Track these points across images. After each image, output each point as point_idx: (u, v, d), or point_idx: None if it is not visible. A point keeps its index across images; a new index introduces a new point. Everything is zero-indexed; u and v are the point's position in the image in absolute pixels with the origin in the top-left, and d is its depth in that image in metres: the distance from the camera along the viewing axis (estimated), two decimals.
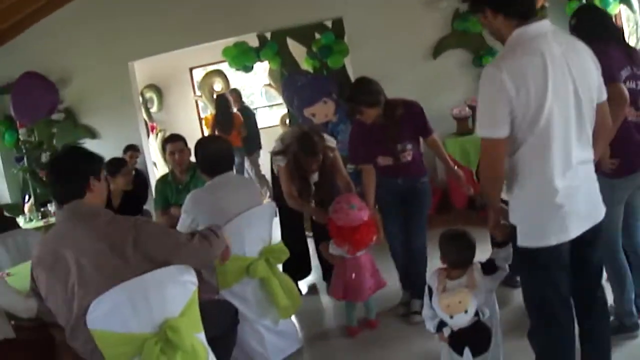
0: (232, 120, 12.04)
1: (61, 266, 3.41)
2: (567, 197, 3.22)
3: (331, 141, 6.01)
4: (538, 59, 3.11)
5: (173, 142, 6.45)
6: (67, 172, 3.65)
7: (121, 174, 6.91)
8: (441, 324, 4.05)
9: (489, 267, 3.98)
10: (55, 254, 3.44)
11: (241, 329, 4.77)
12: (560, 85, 3.13)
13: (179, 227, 4.92)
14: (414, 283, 5.70)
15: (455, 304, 3.87)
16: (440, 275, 4.04)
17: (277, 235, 5.55)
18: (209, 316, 3.99)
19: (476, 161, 7.92)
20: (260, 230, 5.02)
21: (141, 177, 8.81)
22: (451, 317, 3.91)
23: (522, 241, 3.36)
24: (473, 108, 8.53)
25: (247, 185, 5.27)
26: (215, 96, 12.68)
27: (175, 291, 3.57)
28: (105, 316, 3.29)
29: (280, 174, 6.11)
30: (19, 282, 4.57)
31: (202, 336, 3.76)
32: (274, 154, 6.17)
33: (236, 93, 12.88)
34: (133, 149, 9.53)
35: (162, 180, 6.64)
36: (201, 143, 5.27)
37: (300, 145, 5.74)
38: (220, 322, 4.36)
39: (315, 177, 6.10)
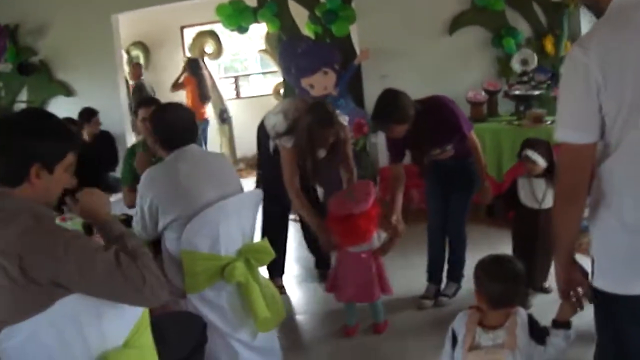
0: (209, 89, 11.94)
1: None
2: None
3: (343, 118, 5.31)
4: None
5: (146, 107, 5.45)
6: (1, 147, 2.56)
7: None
8: None
9: (538, 333, 3.00)
10: None
11: (212, 343, 3.89)
12: None
13: (134, 223, 4.10)
14: (452, 267, 5.49)
15: None
16: (471, 319, 3.08)
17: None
18: (168, 337, 3.18)
19: (492, 152, 7.10)
20: (241, 223, 4.09)
21: (106, 139, 7.93)
22: None
23: (598, 281, 2.45)
24: (489, 92, 8.06)
25: (219, 161, 4.34)
26: (186, 59, 12.37)
27: (116, 315, 2.68)
28: (22, 347, 2.42)
29: (284, 157, 5.29)
30: None
31: None
32: (279, 134, 5.30)
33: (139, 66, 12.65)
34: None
35: (132, 150, 5.67)
36: (156, 111, 4.40)
37: (315, 114, 5.00)
38: (183, 344, 3.46)
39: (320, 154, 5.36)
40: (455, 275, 5.43)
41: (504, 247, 5.18)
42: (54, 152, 2.61)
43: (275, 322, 4.23)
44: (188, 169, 3.97)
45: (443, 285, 5.44)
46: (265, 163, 5.70)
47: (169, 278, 3.97)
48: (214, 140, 12.52)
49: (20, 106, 10.25)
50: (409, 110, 4.70)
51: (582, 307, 2.71)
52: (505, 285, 2.99)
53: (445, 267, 5.46)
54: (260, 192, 4.27)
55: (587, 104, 2.26)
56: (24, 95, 10.54)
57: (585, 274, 2.58)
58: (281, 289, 5.88)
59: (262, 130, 5.67)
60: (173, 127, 4.11)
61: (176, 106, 4.45)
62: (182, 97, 12.05)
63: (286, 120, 5.27)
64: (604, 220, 2.40)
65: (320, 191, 5.98)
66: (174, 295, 3.97)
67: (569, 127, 2.35)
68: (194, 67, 12.04)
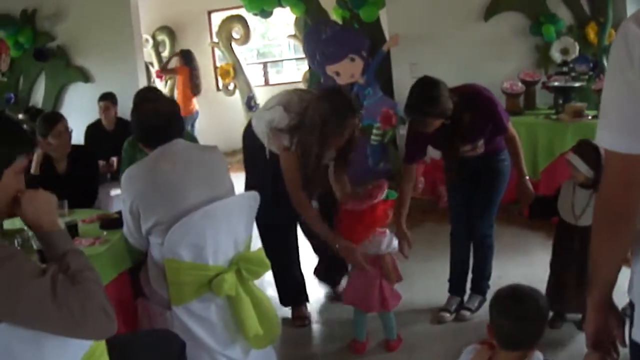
0: (201, 81, 12.23)
1: None
2: None
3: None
4: None
5: None
6: None
7: (53, 134, 5.53)
8: None
9: None
10: None
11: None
12: None
13: (125, 229, 3.72)
14: (476, 276, 4.96)
15: None
16: (477, 357, 2.61)
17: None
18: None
19: (528, 147, 6.59)
20: (232, 230, 3.64)
21: (125, 127, 7.53)
22: None
23: (639, 334, 1.90)
24: (527, 83, 7.55)
25: (209, 157, 3.83)
26: (179, 50, 12.43)
27: (60, 344, 2.23)
28: None
29: (284, 162, 4.44)
30: None
31: None
32: (279, 131, 4.38)
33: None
34: (107, 99, 7.97)
35: (132, 143, 5.30)
36: (136, 104, 3.95)
37: (332, 101, 4.22)
38: None
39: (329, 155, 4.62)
40: (480, 287, 4.94)
41: (541, 255, 4.72)
42: (0, 157, 2.25)
43: (269, 339, 3.85)
44: (170, 168, 3.57)
45: (466, 298, 4.97)
46: (260, 172, 4.67)
47: (153, 287, 3.64)
48: (240, 128, 12.02)
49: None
50: (448, 103, 4.17)
51: None
52: (517, 325, 2.49)
53: (470, 276, 4.99)
54: (256, 195, 3.77)
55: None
56: (42, 82, 10.34)
57: (621, 320, 2.04)
58: (304, 320, 5.02)
59: (249, 137, 4.73)
60: (149, 123, 3.73)
61: (152, 100, 4.06)
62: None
63: (288, 113, 4.38)
64: None
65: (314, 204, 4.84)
66: (159, 306, 3.65)
67: (616, 130, 1.76)
68: (187, 57, 12.02)
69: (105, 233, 3.98)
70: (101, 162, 6.69)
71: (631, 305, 1.92)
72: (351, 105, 4.26)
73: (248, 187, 4.63)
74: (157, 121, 3.69)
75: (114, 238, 3.84)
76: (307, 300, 5.11)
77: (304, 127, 4.28)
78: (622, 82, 1.72)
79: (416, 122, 4.37)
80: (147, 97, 4.26)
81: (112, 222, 4.14)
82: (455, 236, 4.96)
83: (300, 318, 4.99)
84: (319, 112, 4.21)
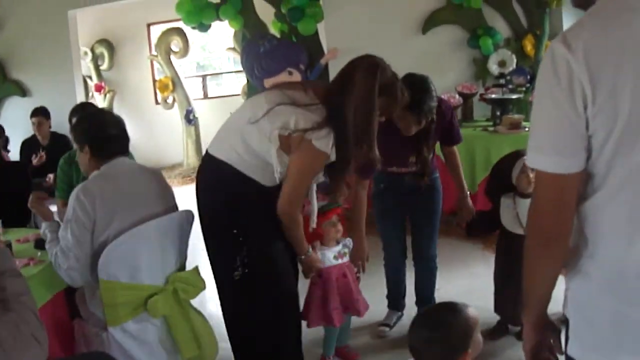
0: None
1: None
2: None
3: None
4: None
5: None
6: None
7: None
8: None
9: None
10: None
11: None
12: None
13: (59, 251, 3.47)
14: (425, 295, 4.84)
15: None
16: None
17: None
18: None
19: (465, 159, 6.59)
20: (167, 249, 3.60)
21: (61, 141, 7.36)
22: None
23: (573, 349, 1.90)
24: (464, 96, 7.61)
25: (152, 178, 3.80)
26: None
27: None
28: None
29: (305, 163, 3.31)
30: None
31: None
32: (307, 130, 3.16)
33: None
34: (39, 115, 7.75)
35: (68, 160, 5.18)
36: (88, 115, 3.85)
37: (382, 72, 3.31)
38: None
39: None
40: (425, 303, 4.75)
41: (479, 266, 4.73)
42: None
43: (207, 359, 3.77)
44: (115, 188, 3.51)
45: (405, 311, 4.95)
46: (254, 206, 3.43)
47: (89, 308, 3.58)
48: (179, 142, 12.17)
49: None
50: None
51: None
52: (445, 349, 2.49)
53: (409, 290, 4.96)
54: (189, 213, 3.71)
55: (571, 119, 1.70)
56: None
57: (557, 332, 2.06)
58: None
59: (217, 170, 3.44)
60: (95, 137, 3.61)
61: (99, 111, 3.95)
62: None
63: (305, 107, 3.23)
64: (585, 275, 1.85)
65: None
66: (95, 327, 3.56)
67: (545, 151, 1.77)
68: None
69: (39, 253, 3.87)
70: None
71: (566, 320, 1.94)
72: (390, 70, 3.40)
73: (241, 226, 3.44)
74: (103, 136, 3.60)
75: (48, 258, 3.74)
76: None
77: (347, 112, 3.17)
78: (549, 101, 1.74)
79: (413, 121, 4.04)
80: (91, 110, 4.10)
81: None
82: (389, 258, 4.89)
83: None
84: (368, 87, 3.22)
